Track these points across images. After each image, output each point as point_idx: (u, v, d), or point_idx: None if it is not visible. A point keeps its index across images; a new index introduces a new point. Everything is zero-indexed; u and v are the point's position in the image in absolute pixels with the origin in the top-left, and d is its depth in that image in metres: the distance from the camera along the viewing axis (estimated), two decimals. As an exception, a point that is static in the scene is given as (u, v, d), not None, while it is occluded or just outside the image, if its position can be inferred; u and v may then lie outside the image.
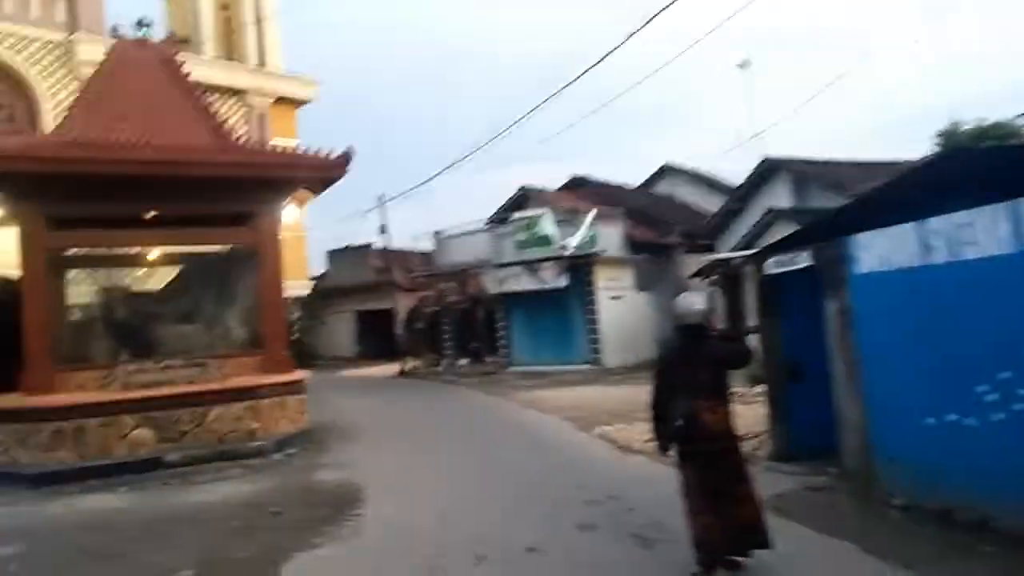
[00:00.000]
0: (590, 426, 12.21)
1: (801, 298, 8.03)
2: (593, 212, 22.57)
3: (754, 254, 9.29)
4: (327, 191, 13.55)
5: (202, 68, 17.37)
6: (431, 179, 31.75)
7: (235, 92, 21.94)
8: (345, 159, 12.31)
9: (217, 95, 18.21)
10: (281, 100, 22.87)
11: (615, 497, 7.58)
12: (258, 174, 12.03)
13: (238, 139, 12.85)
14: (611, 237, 23.80)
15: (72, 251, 12.65)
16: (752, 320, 18.73)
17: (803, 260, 7.74)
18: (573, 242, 21.54)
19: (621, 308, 23.56)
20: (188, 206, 12.12)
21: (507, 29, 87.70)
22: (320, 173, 12.38)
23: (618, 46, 13.61)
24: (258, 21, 23.30)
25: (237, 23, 23.42)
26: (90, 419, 10.54)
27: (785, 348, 8.54)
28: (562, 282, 21.88)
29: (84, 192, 11.24)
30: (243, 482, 9.56)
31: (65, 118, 11.85)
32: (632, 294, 24.34)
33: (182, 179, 11.55)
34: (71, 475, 10.05)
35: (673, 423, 5.10)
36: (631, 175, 43.81)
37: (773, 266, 8.39)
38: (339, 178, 12.52)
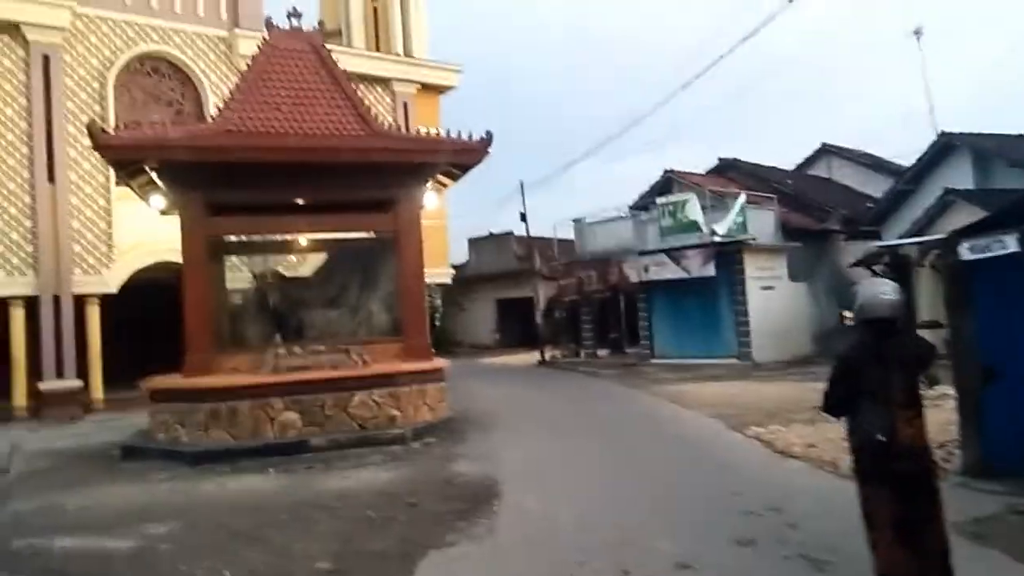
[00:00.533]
0: (742, 426, 11.33)
1: (997, 288, 6.91)
2: (743, 196, 21.29)
3: (943, 239, 8.11)
4: (467, 176, 13.38)
5: (350, 58, 17.67)
6: (572, 164, 31.45)
7: (381, 81, 22.34)
8: (485, 143, 12.07)
9: (364, 84, 18.46)
10: (425, 87, 23.07)
11: (776, 509, 6.79)
12: (401, 159, 12.02)
13: (382, 125, 12.89)
14: (763, 223, 22.40)
15: (228, 238, 13.16)
16: (927, 313, 17.02)
17: (1009, 245, 6.60)
18: (721, 228, 20.38)
19: (773, 299, 22.14)
20: (334, 192, 12.32)
21: (648, 11, 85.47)
22: (460, 157, 12.19)
23: (769, 19, 12.47)
24: (404, 10, 23.61)
25: (384, 12, 23.83)
26: (243, 401, 10.90)
27: (979, 345, 7.39)
28: (709, 271, 20.78)
29: (239, 179, 11.66)
30: (382, 469, 9.51)
31: (222, 108, 12.30)
32: (785, 284, 22.83)
33: (329, 165, 11.74)
34: (225, 455, 10.44)
35: (869, 437, 4.31)
36: (784, 158, 41.37)
37: (967, 252, 7.25)
38: (479, 162, 12.30)
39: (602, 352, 27.63)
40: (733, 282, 21.51)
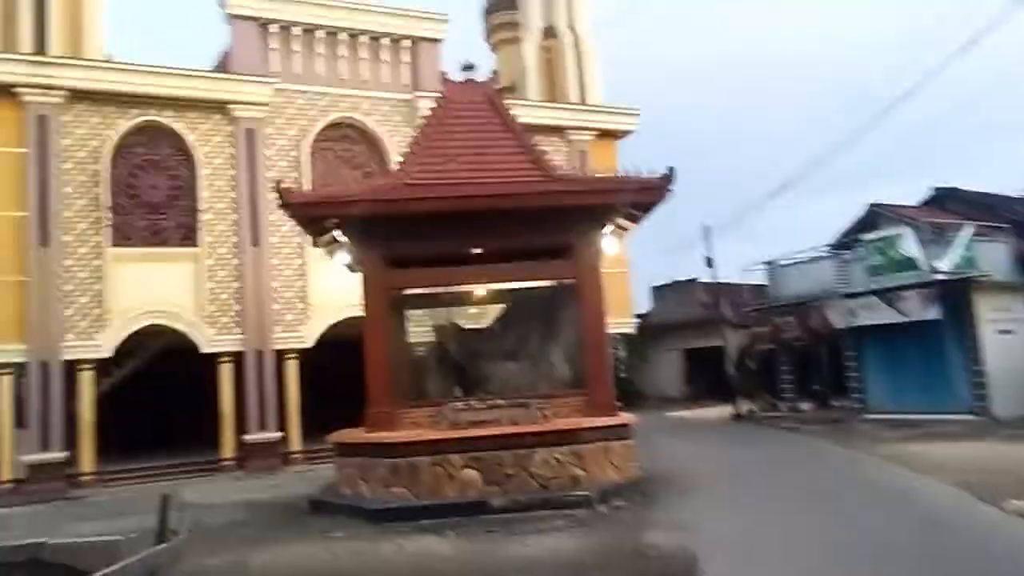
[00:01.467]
0: (996, 497, 9.30)
1: None
2: (969, 227, 18.59)
3: None
4: (648, 221, 12.51)
5: (526, 110, 17.56)
6: (761, 203, 29.39)
7: (557, 131, 22.17)
8: (666, 179, 11.20)
9: (540, 135, 18.28)
10: (602, 134, 22.67)
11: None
12: (579, 201, 11.44)
13: (556, 170, 12.43)
14: (995, 257, 19.47)
15: (408, 290, 13.13)
16: None
17: None
18: (945, 264, 17.83)
19: (1013, 345, 18.99)
20: (512, 240, 11.94)
21: (828, 40, 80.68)
22: (641, 197, 11.38)
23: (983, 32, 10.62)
24: (578, 59, 23.47)
25: (558, 62, 23.83)
26: (422, 457, 10.55)
27: None
28: (931, 313, 18.20)
29: (418, 231, 11.61)
30: (567, 536, 8.66)
31: (401, 163, 12.40)
32: (1027, 327, 19.56)
33: (506, 211, 11.38)
34: (405, 512, 10.09)
35: None
36: (1009, 185, 36.55)
37: None
38: (661, 201, 11.42)
39: (804, 406, 25.16)
40: (962, 325, 18.70)
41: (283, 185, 11.02)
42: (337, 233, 11.63)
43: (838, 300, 20.90)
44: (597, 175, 12.02)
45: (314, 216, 11.37)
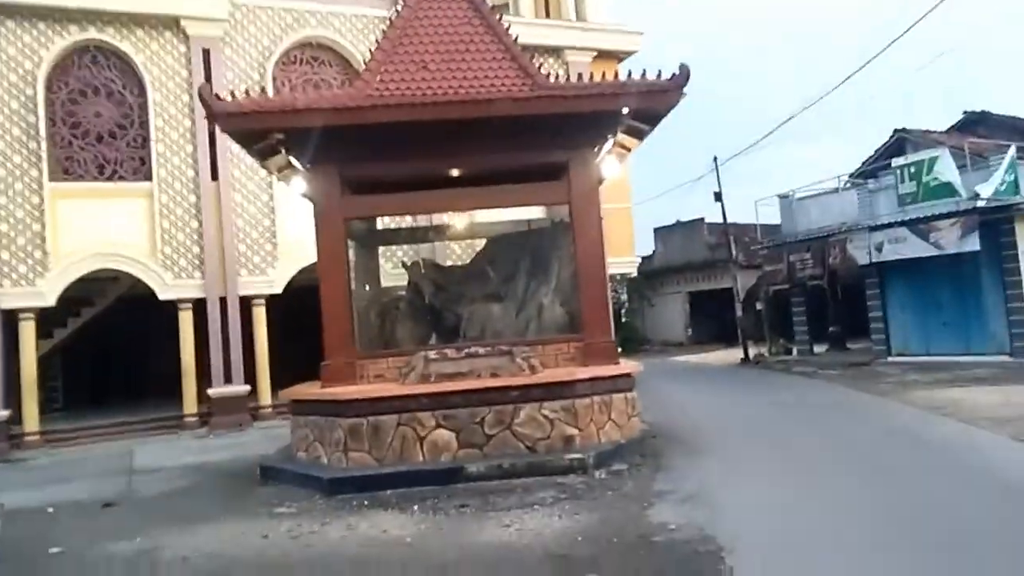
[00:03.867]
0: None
1: None
2: (1013, 148, 16.61)
3: None
4: (655, 131, 10.58)
5: (517, 27, 15.27)
6: (770, 133, 27.02)
7: (553, 51, 20.13)
8: (680, 80, 9.25)
9: (534, 56, 16.18)
10: (602, 55, 20.48)
11: None
12: (572, 108, 9.49)
13: (548, 75, 10.46)
14: (1038, 183, 17.50)
15: (371, 222, 11.32)
16: None
17: None
18: (986, 190, 15.92)
19: (1056, 279, 17.22)
20: (494, 159, 10.12)
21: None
22: (648, 102, 9.43)
23: None
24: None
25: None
26: (387, 416, 8.89)
27: None
28: (971, 244, 16.39)
29: (381, 149, 9.82)
30: (554, 512, 7.02)
31: (362, 72, 10.45)
32: (1072, 260, 17.74)
33: (487, 123, 9.50)
34: (366, 482, 8.49)
35: None
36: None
37: None
38: (673, 105, 9.47)
39: (819, 349, 23.57)
40: (1001, 260, 16.91)
41: (205, 89, 9.07)
42: (282, 150, 9.75)
43: (861, 233, 19.07)
44: (595, 81, 10.04)
45: (251, 130, 9.46)
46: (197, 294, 16.29)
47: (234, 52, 17.17)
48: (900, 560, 5.23)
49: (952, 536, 5.66)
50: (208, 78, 16.33)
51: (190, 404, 16.14)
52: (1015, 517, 6.02)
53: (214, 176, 16.62)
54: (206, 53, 16.80)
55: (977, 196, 16.11)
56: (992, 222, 16.61)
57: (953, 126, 23.40)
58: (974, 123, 22.98)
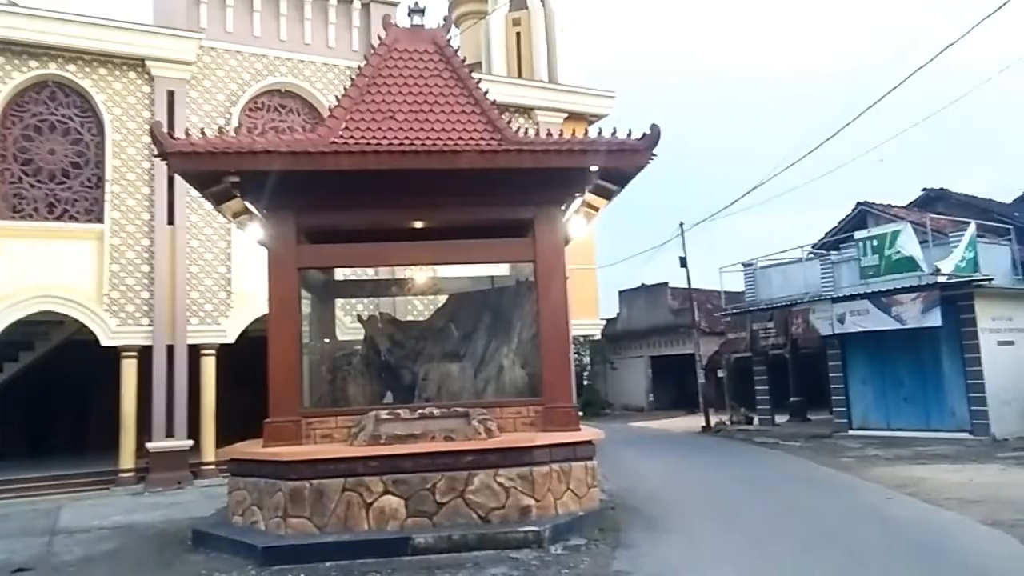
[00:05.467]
0: (1047, 542, 7.40)
1: None
2: (973, 226, 16.88)
3: None
4: (622, 193, 10.41)
5: (490, 86, 15.33)
6: (736, 201, 27.20)
7: (524, 110, 20.16)
8: (650, 140, 9.12)
9: (506, 114, 16.18)
10: (573, 116, 20.61)
11: None
12: (540, 164, 9.28)
13: (517, 131, 10.30)
14: (996, 262, 17.81)
15: (327, 272, 10.90)
16: None
17: None
18: (948, 266, 16.06)
19: (1014, 356, 17.41)
20: (459, 212, 9.86)
21: (811, 51, 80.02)
22: (617, 162, 9.26)
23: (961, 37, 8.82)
24: (548, 34, 21.45)
25: (527, 38, 21.77)
26: (331, 479, 8.32)
27: None
28: (932, 319, 16.44)
29: (340, 198, 9.48)
30: (507, 593, 6.50)
31: (326, 118, 10.19)
32: (1028, 338, 17.96)
33: (452, 175, 9.24)
34: (305, 552, 7.87)
35: None
36: (995, 191, 35.18)
37: None
38: (642, 166, 9.31)
39: (780, 419, 23.38)
40: (961, 336, 17.00)
41: (157, 127, 8.67)
42: (236, 194, 9.35)
43: (824, 304, 19.09)
44: (564, 137, 9.87)
45: (205, 171, 9.05)
46: (143, 341, 15.54)
47: (200, 95, 16.85)
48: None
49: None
50: (171, 120, 15.96)
51: (127, 458, 15.21)
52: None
53: (170, 220, 16.08)
54: (170, 95, 16.44)
55: (938, 271, 16.25)
56: (952, 298, 16.74)
57: (913, 202, 23.90)
58: (933, 200, 23.50)
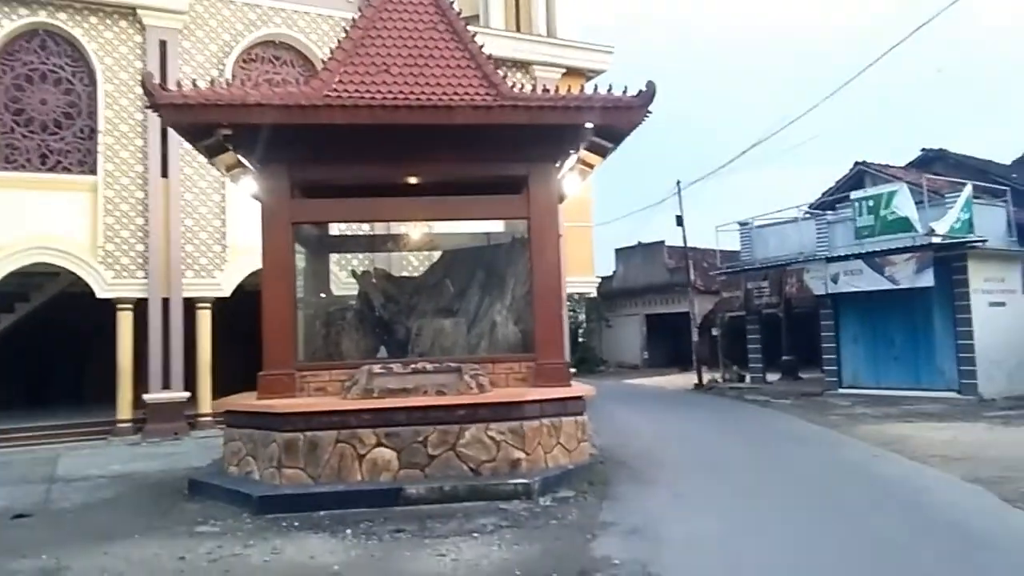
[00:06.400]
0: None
1: None
2: (969, 187, 16.86)
3: None
4: (618, 149, 10.37)
5: (488, 39, 15.08)
6: (736, 159, 27.26)
7: (522, 65, 19.98)
8: (645, 97, 9.06)
9: (503, 69, 15.97)
10: (571, 71, 20.36)
11: None
12: (535, 120, 9.24)
13: (513, 86, 10.21)
14: (992, 223, 17.84)
15: (322, 227, 10.90)
16: None
17: None
18: (942, 227, 16.09)
19: (1004, 317, 17.56)
20: (453, 168, 9.86)
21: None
22: (612, 119, 9.23)
23: None
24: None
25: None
26: (325, 431, 8.45)
27: None
28: (925, 280, 16.54)
29: (335, 152, 9.48)
30: (494, 542, 6.68)
31: (319, 70, 10.08)
32: (1020, 299, 18.10)
33: (447, 131, 9.21)
34: (299, 501, 8.04)
35: None
36: (995, 153, 35.06)
37: None
38: (637, 123, 9.28)
39: (772, 377, 23.63)
40: (953, 296, 17.11)
41: (148, 77, 8.59)
42: (229, 147, 9.30)
43: (818, 264, 19.16)
44: (559, 93, 9.80)
45: (197, 124, 9.00)
46: (139, 294, 15.59)
47: (192, 46, 16.60)
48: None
49: (899, 558, 5.45)
50: (163, 71, 15.74)
51: (124, 409, 15.38)
52: (965, 561, 5.85)
53: (164, 173, 15.98)
54: (163, 45, 16.20)
55: (933, 232, 16.29)
56: (946, 259, 16.81)
57: (911, 162, 23.80)
58: (932, 160, 23.39)
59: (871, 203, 17.74)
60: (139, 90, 15.72)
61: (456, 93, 9.66)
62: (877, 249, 17.42)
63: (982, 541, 6.43)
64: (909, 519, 7.18)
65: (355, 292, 11.72)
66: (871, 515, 7.36)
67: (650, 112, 9.14)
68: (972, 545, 6.32)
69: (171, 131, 14.74)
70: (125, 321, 15.53)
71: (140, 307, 15.63)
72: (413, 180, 10.21)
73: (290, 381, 9.05)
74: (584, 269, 20.50)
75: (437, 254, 12.79)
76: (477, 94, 9.66)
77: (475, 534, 6.92)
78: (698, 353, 26.28)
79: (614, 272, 38.00)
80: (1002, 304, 17.55)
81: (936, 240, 16.34)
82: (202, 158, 14.53)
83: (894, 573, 5.69)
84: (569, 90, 9.94)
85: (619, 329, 37.98)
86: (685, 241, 26.59)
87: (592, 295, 25.05)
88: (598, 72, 21.17)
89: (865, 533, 6.72)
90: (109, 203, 15.59)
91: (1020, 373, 17.42)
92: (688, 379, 26.40)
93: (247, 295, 15.73)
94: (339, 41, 10.51)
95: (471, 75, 10.07)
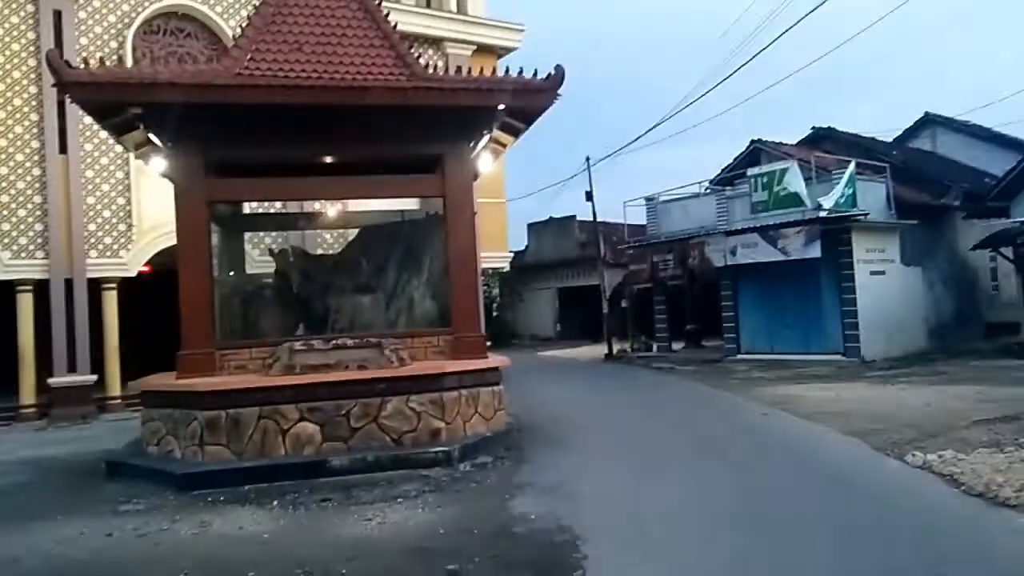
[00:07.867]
0: (892, 448, 8.53)
1: None
2: (853, 164, 18.14)
3: None
4: (529, 130, 10.79)
5: (397, 15, 15.16)
6: (641, 136, 28.47)
7: (433, 42, 20.00)
8: (555, 80, 9.48)
9: (413, 46, 16.03)
10: (482, 49, 20.57)
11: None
12: (449, 102, 9.51)
13: (427, 66, 10.43)
14: (873, 197, 19.28)
15: (236, 205, 10.90)
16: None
17: None
18: (828, 202, 17.29)
19: (884, 285, 19.04)
20: (367, 147, 9.99)
21: None
22: (523, 100, 9.61)
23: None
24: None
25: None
26: (247, 408, 8.61)
27: None
28: (813, 252, 17.76)
29: (249, 132, 9.48)
30: (417, 505, 7.07)
31: (230, 48, 10.02)
32: (897, 268, 19.69)
33: (361, 111, 9.36)
34: (223, 477, 8.18)
35: None
36: (879, 130, 37.34)
37: None
38: (547, 106, 9.71)
39: (677, 346, 24.81)
40: (839, 266, 18.44)
41: (54, 56, 8.40)
42: (140, 126, 9.20)
43: (718, 238, 20.24)
44: (472, 75, 10.09)
45: (106, 102, 8.86)
46: (39, 275, 15.09)
47: (89, 16, 15.98)
48: (741, 539, 5.64)
49: (788, 519, 6.16)
50: (59, 42, 15.16)
51: (28, 394, 14.95)
52: (839, 501, 6.64)
53: (63, 149, 15.43)
54: (57, 15, 15.55)
55: (820, 207, 17.50)
56: (832, 232, 18.08)
57: (803, 140, 25.25)
58: (821, 138, 24.90)
59: (765, 180, 18.87)
60: (32, 62, 15.19)
61: (370, 73, 9.81)
62: (771, 223, 18.57)
63: (852, 483, 7.28)
64: (792, 467, 8.01)
65: (270, 271, 11.78)
66: (759, 465, 8.16)
67: (559, 95, 9.58)
68: (844, 487, 7.15)
69: (69, 106, 14.35)
70: (25, 303, 15.03)
71: (42, 289, 15.12)
72: (328, 159, 10.33)
73: (210, 360, 9.12)
74: (497, 244, 20.95)
75: (352, 232, 12.93)
76: (391, 74, 9.84)
77: (399, 500, 7.29)
78: (608, 325, 27.24)
79: (526, 247, 38.63)
80: (882, 273, 19.02)
81: (823, 214, 17.57)
82: (103, 134, 14.18)
83: (774, 511, 6.41)
84: (482, 71, 10.21)
85: (532, 303, 38.72)
86: (595, 216, 27.40)
87: (505, 270, 25.57)
88: (509, 50, 21.51)
89: (752, 480, 7.48)
90: (4, 181, 14.98)
91: (898, 336, 18.95)
92: (599, 350, 27.34)
93: (157, 274, 15.48)
94: (249, 17, 10.45)
95: (385, 55, 10.22)
